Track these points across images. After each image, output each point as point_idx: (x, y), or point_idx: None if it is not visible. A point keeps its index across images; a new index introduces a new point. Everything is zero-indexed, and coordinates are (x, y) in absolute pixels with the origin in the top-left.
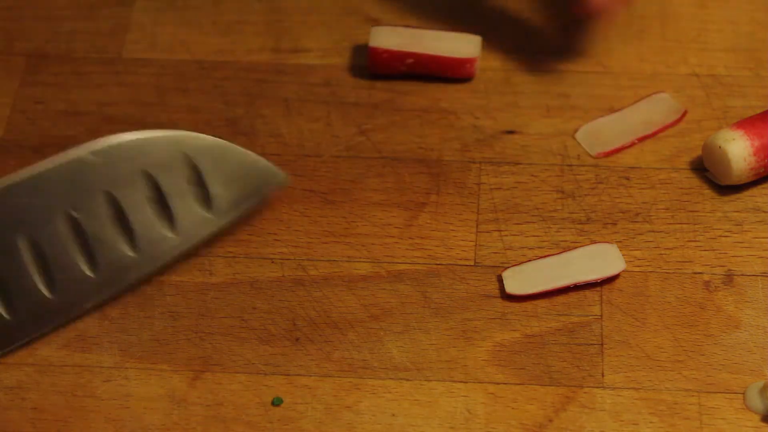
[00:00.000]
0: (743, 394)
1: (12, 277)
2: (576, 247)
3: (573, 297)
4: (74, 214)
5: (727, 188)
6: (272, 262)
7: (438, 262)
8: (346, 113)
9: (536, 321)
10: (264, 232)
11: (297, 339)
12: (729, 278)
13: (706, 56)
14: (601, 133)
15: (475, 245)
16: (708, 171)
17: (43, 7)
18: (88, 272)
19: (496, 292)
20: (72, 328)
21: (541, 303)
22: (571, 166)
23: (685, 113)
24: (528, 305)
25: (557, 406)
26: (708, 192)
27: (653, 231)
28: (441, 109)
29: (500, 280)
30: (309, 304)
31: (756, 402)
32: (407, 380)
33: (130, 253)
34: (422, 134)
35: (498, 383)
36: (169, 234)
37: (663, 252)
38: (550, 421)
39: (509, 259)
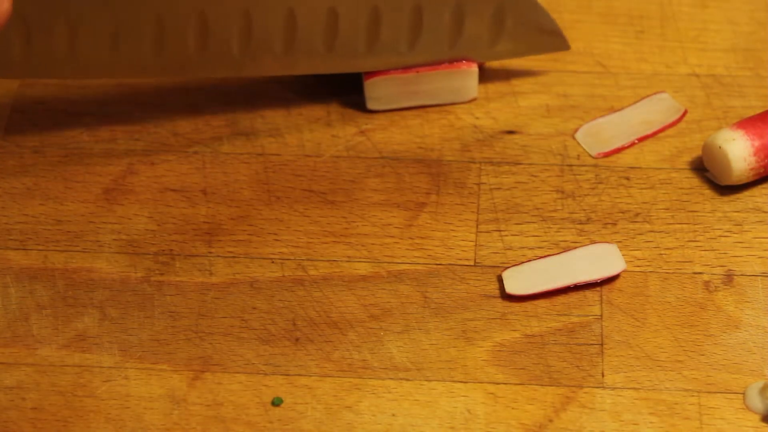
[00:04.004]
0: (743, 394)
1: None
2: (576, 247)
3: (573, 297)
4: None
5: (727, 188)
6: (272, 262)
7: (438, 262)
8: (346, 113)
9: (536, 321)
10: (264, 232)
11: (297, 339)
12: (729, 278)
13: (706, 56)
14: (601, 133)
15: (475, 245)
16: (708, 171)
17: None
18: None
19: (496, 292)
20: (72, 328)
21: (541, 303)
22: (571, 166)
23: (685, 113)
24: (528, 305)
25: (557, 406)
26: (708, 192)
27: (653, 231)
28: (441, 109)
29: (500, 280)
30: (309, 304)
31: (756, 402)
32: (407, 380)
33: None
34: (422, 134)
35: (498, 383)
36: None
37: (663, 252)
38: (550, 421)
39: (509, 259)
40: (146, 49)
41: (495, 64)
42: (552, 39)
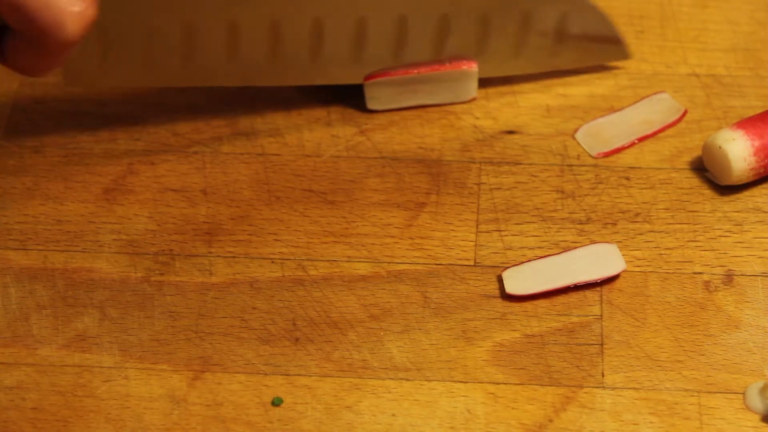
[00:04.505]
0: (743, 394)
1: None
2: (576, 247)
3: (573, 297)
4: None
5: (727, 188)
6: (272, 262)
7: (438, 262)
8: (346, 113)
9: (536, 321)
10: (264, 232)
11: (297, 339)
12: (729, 278)
13: (706, 56)
14: (601, 133)
15: (475, 245)
16: (708, 171)
17: None
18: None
19: (496, 292)
20: (72, 328)
21: (541, 303)
22: (571, 166)
23: (685, 113)
24: (528, 305)
25: (557, 406)
26: (708, 192)
27: (653, 231)
28: (441, 109)
29: (500, 280)
30: (309, 304)
31: (756, 402)
32: (407, 380)
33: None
34: (422, 134)
35: (498, 383)
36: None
37: (663, 252)
38: (550, 421)
39: (509, 259)
40: (218, 56)
41: None
42: (614, 48)
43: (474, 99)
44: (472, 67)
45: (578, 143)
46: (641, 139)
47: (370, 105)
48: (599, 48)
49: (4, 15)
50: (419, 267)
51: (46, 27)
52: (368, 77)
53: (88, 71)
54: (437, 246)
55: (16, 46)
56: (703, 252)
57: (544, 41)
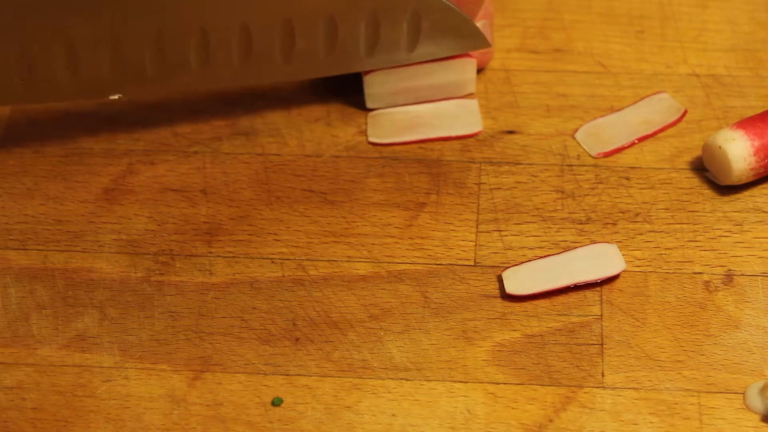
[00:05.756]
0: (743, 394)
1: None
2: (576, 247)
3: (573, 297)
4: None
5: (727, 188)
6: (272, 262)
7: (438, 262)
8: (346, 113)
9: (536, 321)
10: (264, 232)
11: (297, 339)
12: (729, 278)
13: (706, 56)
14: (601, 133)
15: (475, 245)
16: (708, 171)
17: None
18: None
19: (496, 292)
20: (72, 328)
21: (541, 303)
22: (571, 166)
23: (685, 113)
24: (528, 305)
25: (557, 406)
26: (708, 192)
27: (653, 231)
28: None
29: (500, 280)
30: (309, 304)
31: (756, 402)
32: (407, 380)
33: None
34: None
35: (498, 383)
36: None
37: (663, 252)
38: (550, 421)
39: (509, 259)
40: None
41: (496, 64)
42: (472, 39)
43: (472, 94)
44: (471, 59)
45: (578, 143)
46: (641, 139)
47: (370, 104)
48: (456, 40)
49: None
50: (419, 267)
51: None
52: (367, 72)
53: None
54: (437, 246)
55: None
56: (703, 252)
57: (398, 38)
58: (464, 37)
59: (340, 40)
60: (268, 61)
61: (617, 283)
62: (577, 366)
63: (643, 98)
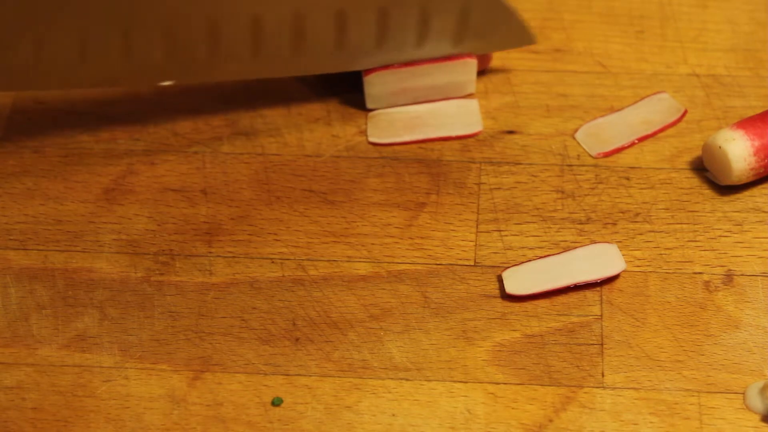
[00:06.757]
0: (743, 394)
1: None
2: (576, 247)
3: (573, 297)
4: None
5: (727, 188)
6: (272, 262)
7: (438, 262)
8: (346, 113)
9: (536, 321)
10: (264, 232)
11: (297, 339)
12: (729, 278)
13: (706, 56)
14: (601, 133)
15: (475, 245)
16: (708, 171)
17: None
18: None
19: (496, 292)
20: (72, 328)
21: (541, 303)
22: (571, 166)
23: (685, 113)
24: (528, 305)
25: (557, 406)
26: (708, 192)
27: (653, 231)
28: None
29: (500, 280)
30: (309, 304)
31: (756, 402)
32: (407, 380)
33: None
34: None
35: (498, 383)
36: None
37: (663, 252)
38: (550, 421)
39: (509, 259)
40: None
41: (496, 64)
42: (517, 34)
43: (472, 94)
44: (472, 59)
45: (578, 143)
46: (641, 139)
47: (370, 104)
48: (503, 35)
49: None
50: (419, 267)
51: None
52: (367, 72)
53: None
54: (437, 246)
55: None
56: (703, 252)
57: (446, 31)
58: (511, 33)
59: (391, 30)
60: (321, 51)
61: (617, 283)
62: (577, 366)
63: (643, 98)
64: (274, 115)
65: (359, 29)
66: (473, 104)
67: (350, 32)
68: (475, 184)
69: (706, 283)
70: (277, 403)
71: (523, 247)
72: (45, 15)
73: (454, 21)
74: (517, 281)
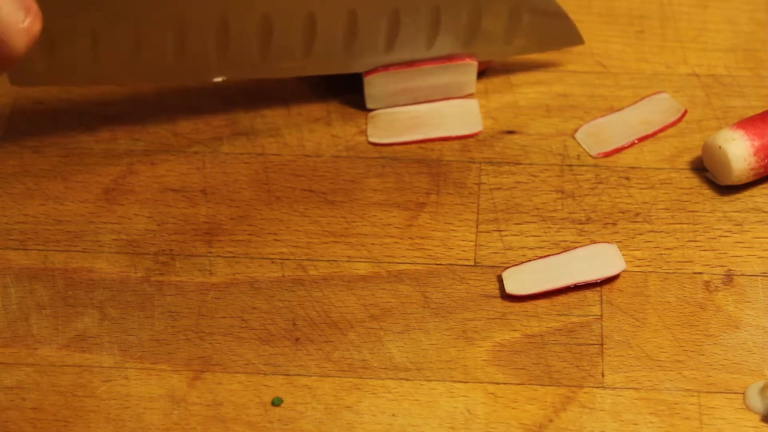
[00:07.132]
0: (743, 394)
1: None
2: (576, 247)
3: (573, 297)
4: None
5: (727, 188)
6: (272, 262)
7: (438, 262)
8: (346, 113)
9: (536, 321)
10: (264, 232)
11: (297, 339)
12: (729, 278)
13: (706, 56)
14: (601, 133)
15: (475, 245)
16: (708, 171)
17: None
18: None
19: (496, 292)
20: (72, 328)
21: (541, 303)
22: (571, 166)
23: (685, 113)
24: (528, 305)
25: (557, 406)
26: (708, 192)
27: (653, 231)
28: None
29: (500, 280)
30: (309, 304)
31: (756, 402)
32: (407, 380)
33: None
34: None
35: (498, 383)
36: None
37: (663, 252)
38: (550, 421)
39: (509, 259)
40: (168, 53)
41: (496, 63)
42: (566, 34)
43: (472, 95)
44: (472, 61)
45: (578, 143)
46: (641, 139)
47: (369, 104)
48: (551, 35)
49: None
50: (419, 267)
51: None
52: (367, 72)
53: (35, 71)
54: (437, 246)
55: None
56: (703, 252)
57: (496, 30)
58: (561, 33)
59: (443, 27)
60: (371, 49)
61: (617, 283)
62: (577, 366)
63: (643, 98)
64: (274, 115)
65: (413, 26)
66: (473, 104)
67: (402, 30)
68: (475, 184)
69: (706, 283)
70: (277, 403)
71: (523, 247)
72: (102, 12)
73: (504, 21)
74: (517, 281)
